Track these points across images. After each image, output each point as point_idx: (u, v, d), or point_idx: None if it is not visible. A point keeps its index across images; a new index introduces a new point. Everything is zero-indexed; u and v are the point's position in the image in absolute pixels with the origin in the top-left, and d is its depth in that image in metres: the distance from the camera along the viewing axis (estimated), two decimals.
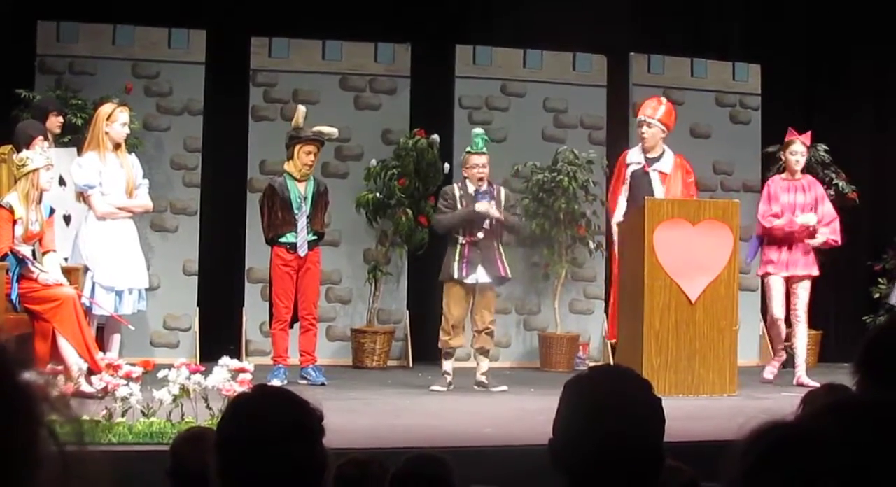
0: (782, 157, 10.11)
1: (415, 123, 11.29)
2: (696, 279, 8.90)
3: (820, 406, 1.21)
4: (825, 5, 12.32)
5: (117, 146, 8.86)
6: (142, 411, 6.35)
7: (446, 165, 10.69)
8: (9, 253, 7.92)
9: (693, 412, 7.46)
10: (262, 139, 11.14)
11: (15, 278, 7.91)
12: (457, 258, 9.23)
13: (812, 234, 9.81)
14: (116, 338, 8.74)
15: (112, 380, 6.44)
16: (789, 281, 9.82)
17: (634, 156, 9.67)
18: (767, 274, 9.88)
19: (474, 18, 11.83)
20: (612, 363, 9.48)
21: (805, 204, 9.84)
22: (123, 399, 6.33)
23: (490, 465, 5.84)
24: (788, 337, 9.96)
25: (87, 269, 8.62)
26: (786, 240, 9.80)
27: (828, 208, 9.93)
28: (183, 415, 6.32)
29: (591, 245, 11.40)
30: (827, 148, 11.55)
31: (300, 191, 9.41)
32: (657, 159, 9.59)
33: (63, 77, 10.73)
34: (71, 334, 7.77)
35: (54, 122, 9.69)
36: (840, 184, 11.50)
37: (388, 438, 6.57)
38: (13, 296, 7.88)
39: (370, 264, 11.19)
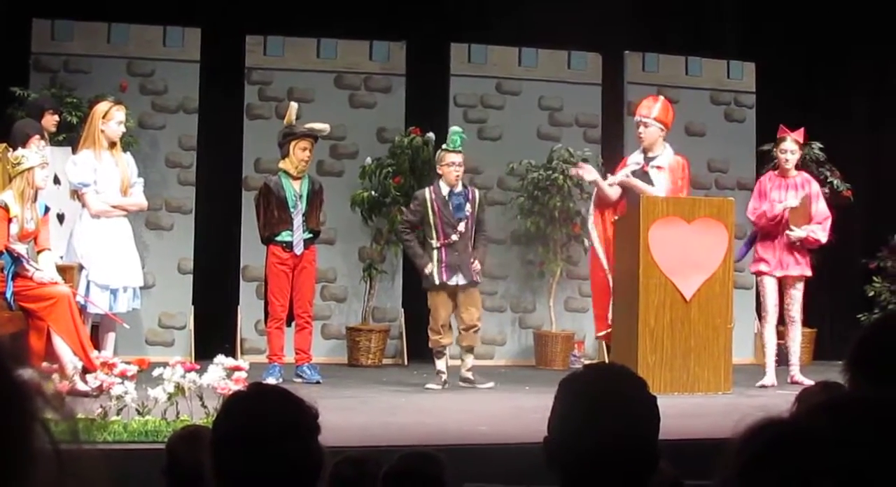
0: (775, 154, 10.08)
1: (410, 121, 11.29)
2: (690, 277, 8.90)
3: (814, 403, 1.21)
4: (820, 4, 12.32)
5: (112, 144, 8.85)
6: (137, 409, 6.34)
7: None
8: (4, 251, 7.92)
9: (688, 410, 7.46)
10: (257, 137, 11.13)
11: (10, 276, 7.91)
12: (435, 263, 9.24)
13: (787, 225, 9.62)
14: (111, 337, 8.73)
15: (107, 379, 6.44)
16: (783, 282, 9.74)
17: (634, 157, 9.63)
18: (760, 272, 9.78)
19: (469, 16, 11.83)
20: (607, 361, 9.49)
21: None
22: (118, 397, 6.33)
23: (485, 463, 5.84)
24: (781, 335, 9.93)
25: (81, 268, 8.62)
26: (776, 235, 9.65)
27: (821, 207, 9.80)
28: (178, 414, 6.32)
29: (587, 243, 11.39)
30: (822, 146, 11.55)
31: (296, 190, 9.41)
32: (655, 158, 9.53)
33: (58, 75, 10.72)
34: (66, 332, 7.76)
35: (50, 121, 9.68)
36: (834, 182, 11.51)
37: (383, 436, 6.57)
38: (8, 295, 7.87)
39: (365, 262, 11.19)
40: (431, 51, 11.71)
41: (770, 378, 9.60)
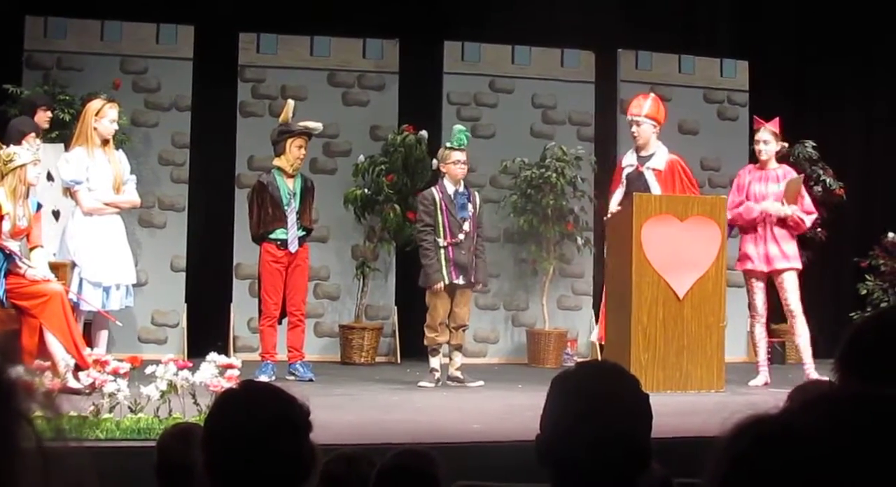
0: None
1: (403, 119, 11.29)
2: (683, 275, 8.90)
3: (803, 400, 1.21)
4: (812, 2, 12.34)
5: (105, 142, 8.85)
6: (129, 407, 6.34)
7: (434, 161, 10.67)
8: None
9: (681, 408, 7.46)
10: (250, 135, 11.13)
11: (2, 274, 7.90)
12: (443, 262, 9.24)
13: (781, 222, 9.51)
14: (104, 334, 8.72)
15: (99, 376, 6.43)
16: (772, 276, 9.61)
17: (628, 159, 9.60)
18: (745, 270, 9.65)
19: (463, 14, 11.82)
20: (599, 359, 9.49)
21: (778, 193, 9.52)
22: (111, 395, 6.32)
23: (477, 461, 5.84)
24: (775, 333, 9.90)
25: (74, 265, 8.61)
26: (752, 229, 9.52)
27: (807, 201, 9.65)
28: (170, 411, 6.32)
29: (580, 241, 11.41)
30: (814, 144, 11.57)
31: (290, 187, 9.40)
32: (649, 158, 9.48)
33: (51, 72, 10.72)
34: (58, 330, 7.75)
35: (43, 117, 9.68)
36: (827, 180, 11.53)
37: (376, 434, 6.56)
38: (0, 292, 7.86)
39: (358, 260, 11.19)
40: (425, 49, 11.71)
41: (762, 377, 9.56)
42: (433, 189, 9.47)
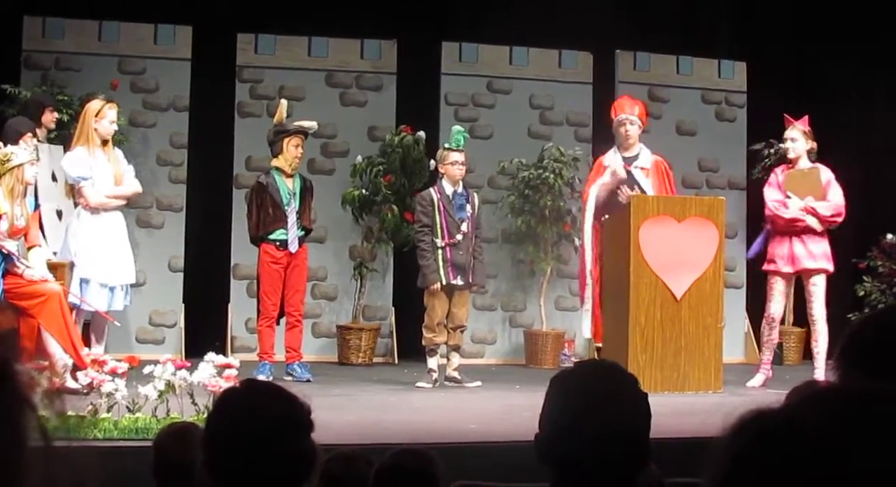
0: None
1: (401, 120, 11.29)
2: (681, 276, 8.91)
3: (804, 396, 1.21)
4: (811, 3, 12.34)
5: (105, 142, 8.86)
6: (127, 407, 6.34)
7: (432, 162, 10.67)
8: None
9: (679, 408, 7.46)
10: (248, 135, 11.12)
11: (0, 273, 7.89)
12: (441, 263, 9.25)
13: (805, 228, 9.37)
14: (103, 334, 8.73)
15: (97, 376, 6.44)
16: (801, 277, 9.43)
17: (611, 159, 9.60)
18: (769, 270, 9.46)
19: (461, 15, 11.83)
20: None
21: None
22: (109, 394, 6.32)
23: (475, 461, 5.84)
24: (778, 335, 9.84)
25: (73, 265, 8.61)
26: (789, 231, 9.34)
27: (834, 195, 9.44)
28: (168, 411, 6.32)
29: (577, 242, 11.39)
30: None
31: (289, 187, 9.41)
32: (635, 158, 9.54)
33: (49, 73, 10.71)
34: (56, 330, 7.75)
35: (49, 118, 9.72)
36: None
37: (373, 434, 6.57)
38: None
39: (356, 261, 11.19)
40: (422, 49, 11.70)
41: (761, 377, 9.53)
42: (431, 189, 9.48)
